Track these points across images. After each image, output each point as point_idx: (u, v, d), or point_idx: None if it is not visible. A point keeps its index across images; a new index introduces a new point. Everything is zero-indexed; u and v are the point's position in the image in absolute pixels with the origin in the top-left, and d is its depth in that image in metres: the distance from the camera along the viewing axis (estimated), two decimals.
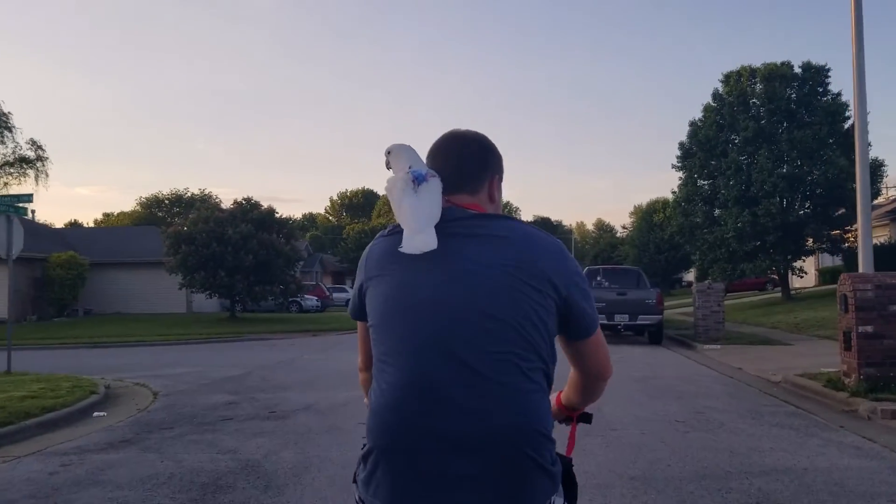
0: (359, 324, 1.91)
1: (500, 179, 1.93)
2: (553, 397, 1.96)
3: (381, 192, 74.46)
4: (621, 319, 18.35)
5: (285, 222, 31.10)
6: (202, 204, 29.54)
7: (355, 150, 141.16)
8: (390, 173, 1.81)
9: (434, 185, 1.75)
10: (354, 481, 1.77)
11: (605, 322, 18.95)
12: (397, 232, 1.76)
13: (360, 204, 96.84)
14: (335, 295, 45.66)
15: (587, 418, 2.11)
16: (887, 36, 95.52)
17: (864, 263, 10.67)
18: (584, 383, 1.93)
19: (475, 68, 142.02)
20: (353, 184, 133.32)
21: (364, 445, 1.74)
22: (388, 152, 1.84)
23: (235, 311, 31.01)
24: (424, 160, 1.84)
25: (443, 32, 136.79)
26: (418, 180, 1.73)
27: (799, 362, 13.65)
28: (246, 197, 30.37)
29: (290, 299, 34.61)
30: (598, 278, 19.63)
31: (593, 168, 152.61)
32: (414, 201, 1.71)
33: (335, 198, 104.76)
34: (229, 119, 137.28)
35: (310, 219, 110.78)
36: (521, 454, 1.64)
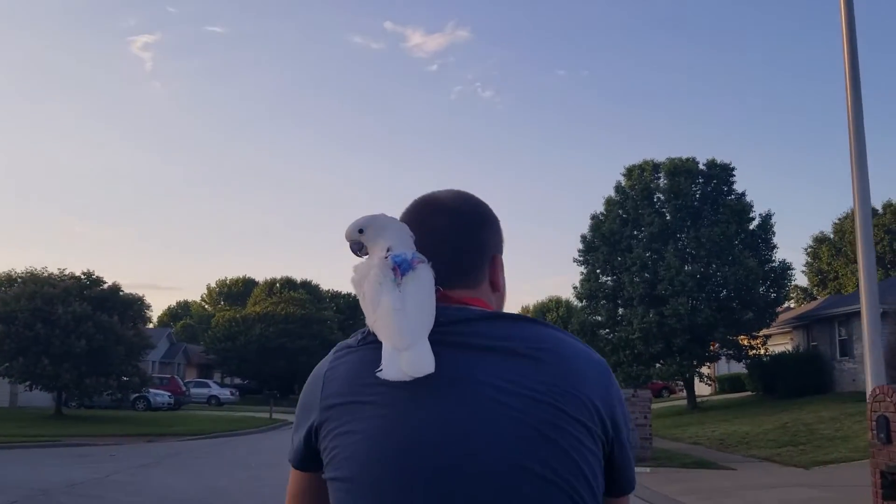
0: (294, 475, 1.25)
1: (500, 255, 1.30)
2: None
3: (260, 279, 69.85)
4: None
5: (132, 302, 26.41)
6: (30, 278, 24.52)
7: (238, 237, 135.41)
8: (357, 260, 1.20)
9: (424, 275, 1.13)
10: None
11: None
12: (371, 342, 1.13)
13: (239, 292, 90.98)
14: (194, 390, 40.17)
15: None
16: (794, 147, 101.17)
17: (872, 372, 7.80)
18: None
19: (353, 169, 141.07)
20: (234, 272, 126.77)
21: None
22: (361, 230, 1.19)
23: (62, 408, 25.68)
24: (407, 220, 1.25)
25: (323, 139, 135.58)
26: (402, 268, 1.12)
27: (758, 498, 10.65)
28: (86, 271, 25.67)
29: (134, 394, 29.40)
30: None
31: None
32: (397, 299, 1.10)
33: (213, 285, 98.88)
34: (111, 201, 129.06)
35: (184, 306, 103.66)
36: None
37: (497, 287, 1.27)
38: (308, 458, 1.18)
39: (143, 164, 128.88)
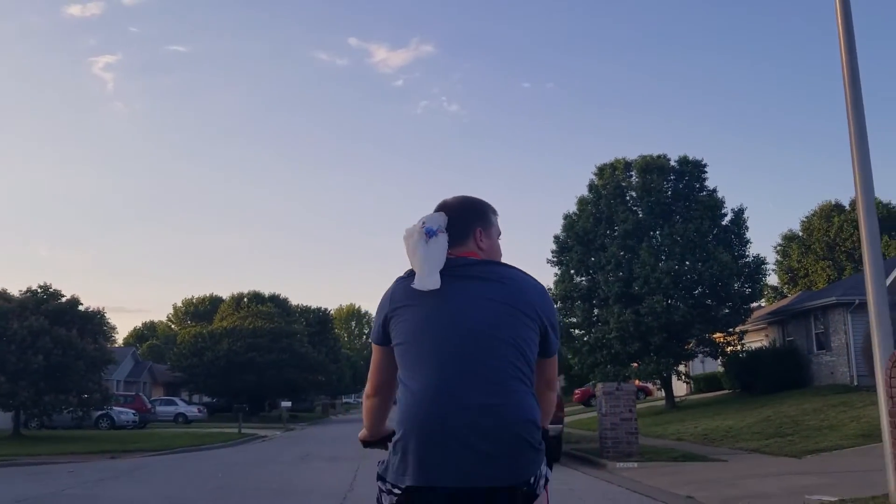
0: (376, 350, 2.37)
1: (486, 229, 2.42)
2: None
3: (226, 296, 68.43)
4: (556, 432, 14.37)
5: (92, 316, 25.31)
6: None
7: (204, 257, 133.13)
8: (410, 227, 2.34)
9: (441, 240, 2.27)
10: (379, 478, 2.21)
11: None
12: (411, 275, 2.27)
13: (205, 311, 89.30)
14: (160, 408, 38.84)
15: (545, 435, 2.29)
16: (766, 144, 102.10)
17: (882, 345, 7.31)
18: (541, 395, 2.32)
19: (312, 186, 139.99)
20: (200, 291, 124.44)
21: (396, 439, 2.15)
22: (434, 218, 2.35)
23: (21, 429, 24.46)
24: (436, 213, 2.39)
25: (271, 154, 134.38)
26: (430, 234, 2.27)
27: (759, 487, 10.14)
28: (42, 284, 24.55)
29: (97, 412, 28.22)
30: None
31: None
32: (425, 251, 2.23)
33: (179, 304, 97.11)
34: (76, 224, 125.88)
35: (150, 327, 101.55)
36: (521, 439, 2.12)
37: (481, 248, 2.37)
38: (384, 335, 2.28)
39: (106, 186, 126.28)
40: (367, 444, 2.52)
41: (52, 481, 12.95)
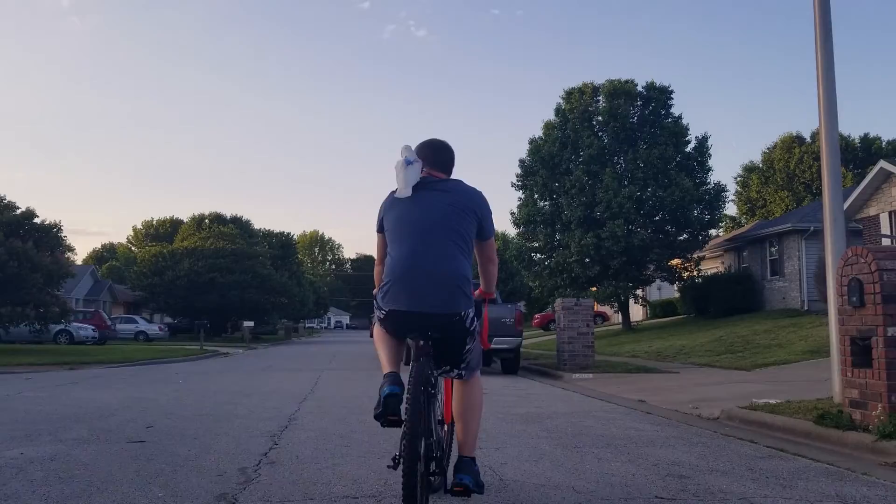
0: (378, 237, 3.76)
1: (453, 163, 3.83)
2: (476, 291, 3.84)
3: (186, 218, 67.38)
4: (502, 344, 14.55)
5: (49, 229, 24.79)
6: None
7: (164, 177, 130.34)
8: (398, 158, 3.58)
9: (416, 167, 3.56)
10: (374, 303, 3.64)
11: None
12: (395, 190, 3.61)
13: (166, 233, 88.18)
14: (120, 326, 38.56)
15: (493, 301, 4.53)
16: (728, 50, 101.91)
17: (833, 242, 7.50)
18: (484, 269, 3.91)
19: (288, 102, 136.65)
20: (160, 213, 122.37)
21: (384, 283, 3.53)
22: (408, 148, 3.62)
23: None
24: (416, 148, 3.69)
25: (229, 77, 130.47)
26: (408, 163, 3.53)
27: (708, 392, 10.49)
28: None
29: (56, 327, 27.96)
30: None
31: None
32: (405, 174, 3.52)
33: (139, 226, 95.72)
34: (31, 145, 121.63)
35: (109, 249, 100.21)
36: (455, 286, 3.44)
37: (450, 174, 3.77)
38: (380, 226, 3.68)
39: (63, 104, 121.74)
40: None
41: (8, 386, 12.86)
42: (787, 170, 47.25)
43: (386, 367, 3.46)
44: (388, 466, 3.17)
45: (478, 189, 3.67)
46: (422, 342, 3.43)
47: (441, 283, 3.40)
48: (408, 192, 3.50)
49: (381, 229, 3.70)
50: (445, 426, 3.94)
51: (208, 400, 9.64)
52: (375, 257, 3.80)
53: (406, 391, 3.16)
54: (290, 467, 4.90)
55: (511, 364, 15.23)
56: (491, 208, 3.69)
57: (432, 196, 3.53)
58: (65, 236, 25.57)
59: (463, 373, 3.60)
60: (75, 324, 30.30)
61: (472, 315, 3.52)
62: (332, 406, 8.85)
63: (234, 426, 6.96)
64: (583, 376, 13.85)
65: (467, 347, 3.55)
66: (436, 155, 3.73)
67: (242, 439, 6.12)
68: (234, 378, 14.16)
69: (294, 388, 11.40)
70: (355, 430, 6.73)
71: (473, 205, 3.57)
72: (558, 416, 7.98)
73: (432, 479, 3.37)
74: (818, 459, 5.38)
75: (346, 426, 6.98)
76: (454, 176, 3.78)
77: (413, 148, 3.63)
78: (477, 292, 3.85)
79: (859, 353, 6.12)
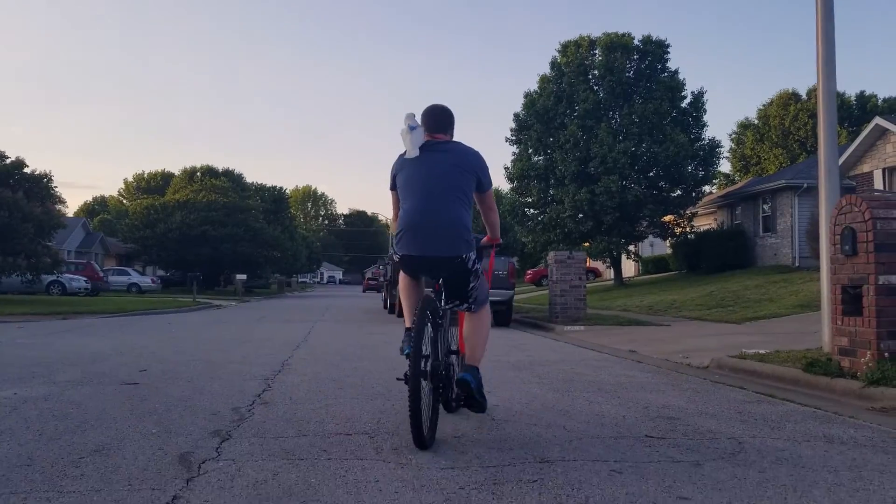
0: (392, 194, 4.28)
1: (453, 123, 4.29)
2: (486, 239, 4.52)
3: (177, 171, 66.93)
4: None
5: (39, 179, 24.57)
6: None
7: (156, 131, 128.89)
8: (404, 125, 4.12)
9: (419, 132, 4.08)
10: (391, 248, 5.88)
11: None
12: (404, 152, 4.12)
13: (157, 186, 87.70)
14: (113, 278, 38.49)
15: (499, 246, 4.76)
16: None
17: (827, 192, 7.48)
18: (486, 217, 4.44)
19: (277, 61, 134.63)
20: (152, 166, 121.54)
21: (398, 233, 4.09)
22: (411, 116, 4.13)
23: None
24: (420, 116, 4.18)
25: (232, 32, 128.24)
26: (412, 128, 4.05)
27: (698, 343, 10.58)
28: None
29: (49, 278, 27.90)
30: None
31: None
32: (410, 137, 4.04)
33: (130, 180, 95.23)
34: (23, 99, 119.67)
35: (101, 202, 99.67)
36: (457, 233, 4.00)
37: (452, 137, 4.26)
38: (393, 184, 4.26)
39: (59, 54, 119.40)
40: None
41: (1, 334, 12.89)
42: (783, 127, 47.05)
43: (408, 322, 4.17)
44: (398, 379, 3.84)
45: (475, 149, 4.22)
46: (431, 280, 4.30)
47: (444, 232, 3.99)
48: (415, 153, 4.06)
49: (393, 187, 4.25)
50: (459, 357, 4.38)
51: (202, 347, 9.67)
52: (391, 212, 4.38)
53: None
54: (283, 407, 4.93)
55: (503, 316, 15.30)
56: (487, 164, 4.24)
57: (435, 157, 4.08)
58: (55, 186, 25.36)
59: (472, 306, 4.23)
60: (67, 275, 30.23)
61: (473, 258, 4.11)
62: (326, 353, 8.89)
63: (228, 370, 6.99)
64: (574, 328, 13.94)
65: (472, 285, 4.16)
66: (436, 120, 4.21)
67: (236, 382, 6.15)
68: (227, 328, 14.20)
69: (288, 337, 11.44)
70: (348, 374, 6.77)
71: (471, 163, 4.14)
72: (549, 364, 8.04)
73: (439, 392, 3.93)
74: (806, 404, 5.44)
75: (340, 371, 7.02)
76: (456, 136, 4.30)
77: (416, 115, 4.16)
78: (485, 239, 4.53)
79: (850, 301, 6.16)
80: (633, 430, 4.31)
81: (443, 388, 3.94)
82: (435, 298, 4.10)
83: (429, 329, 3.81)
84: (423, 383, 3.66)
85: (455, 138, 4.25)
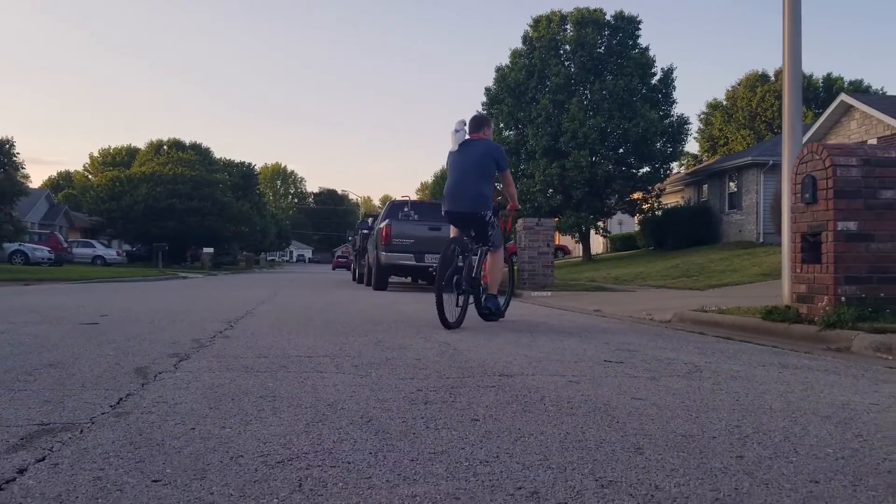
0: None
1: (490, 128, 7.03)
2: (509, 207, 7.29)
3: (143, 146, 65.90)
4: (433, 261, 14.58)
5: (0, 145, 23.99)
6: None
7: (122, 105, 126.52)
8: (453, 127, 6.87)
9: (462, 133, 6.74)
10: (442, 206, 7.10)
11: (414, 263, 15.19)
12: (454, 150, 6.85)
13: (123, 161, 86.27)
14: (77, 250, 37.85)
15: (512, 211, 7.41)
16: None
17: (791, 145, 7.58)
18: (507, 191, 7.16)
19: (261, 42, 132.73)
20: (117, 141, 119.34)
21: (444, 198, 6.83)
22: (461, 122, 6.83)
23: None
24: (467, 121, 6.87)
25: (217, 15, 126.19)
26: (457, 131, 6.74)
27: (663, 304, 10.69)
28: None
29: (11, 247, 27.36)
30: (406, 210, 15.81)
31: (380, 149, 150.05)
32: (456, 137, 6.74)
33: (96, 154, 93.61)
34: None
35: (65, 177, 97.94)
36: (479, 198, 6.59)
37: (486, 136, 6.94)
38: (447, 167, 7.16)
39: (21, 28, 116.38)
40: None
41: None
42: (750, 108, 47.56)
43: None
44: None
45: (496, 143, 7.01)
46: (463, 229, 6.67)
47: (468, 197, 6.52)
48: (456, 148, 6.68)
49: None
50: (481, 284, 6.72)
51: (165, 303, 9.58)
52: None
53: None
54: (244, 340, 4.91)
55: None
56: (504, 152, 6.87)
57: (469, 149, 6.63)
58: (17, 152, 24.79)
59: (490, 247, 6.65)
60: (30, 244, 29.68)
61: (489, 214, 6.57)
62: (290, 306, 8.86)
63: (191, 317, 6.93)
64: (542, 294, 14.02)
65: (490, 233, 6.61)
66: (473, 125, 6.81)
67: (198, 324, 6.11)
68: (193, 291, 14.07)
69: (252, 296, 11.38)
70: (312, 319, 6.77)
71: (491, 153, 6.62)
72: (514, 319, 8.09)
73: (460, 288, 6.34)
74: (764, 344, 5.54)
75: (304, 318, 7.00)
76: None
77: (464, 121, 6.75)
78: (509, 207, 7.18)
79: (809, 249, 6.26)
80: (594, 357, 4.36)
81: (470, 294, 6.48)
82: (467, 241, 6.49)
83: (458, 257, 6.34)
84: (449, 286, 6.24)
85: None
